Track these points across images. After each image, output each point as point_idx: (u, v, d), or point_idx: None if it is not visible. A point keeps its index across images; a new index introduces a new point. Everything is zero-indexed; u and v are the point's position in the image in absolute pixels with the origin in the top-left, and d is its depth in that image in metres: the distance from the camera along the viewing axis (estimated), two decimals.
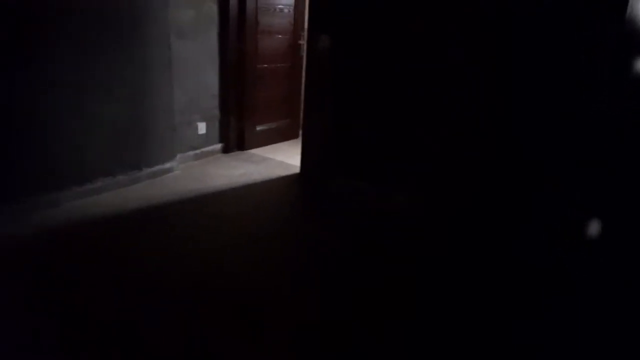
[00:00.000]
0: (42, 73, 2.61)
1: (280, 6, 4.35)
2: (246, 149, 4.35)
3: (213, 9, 3.84)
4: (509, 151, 2.71)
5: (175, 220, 2.79)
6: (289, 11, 4.47)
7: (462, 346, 1.79)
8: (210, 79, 3.94)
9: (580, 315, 2.02)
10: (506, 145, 2.72)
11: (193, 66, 3.73)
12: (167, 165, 3.54)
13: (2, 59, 2.42)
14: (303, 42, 4.54)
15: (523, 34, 2.52)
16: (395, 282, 2.24)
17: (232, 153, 4.25)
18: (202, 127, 3.95)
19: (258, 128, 4.44)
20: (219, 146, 4.18)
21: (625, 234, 2.25)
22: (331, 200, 3.35)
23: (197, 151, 3.97)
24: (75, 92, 2.79)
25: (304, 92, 3.87)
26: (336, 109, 3.46)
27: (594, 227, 2.34)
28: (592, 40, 2.30)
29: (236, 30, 4.01)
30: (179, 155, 3.70)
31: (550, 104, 2.50)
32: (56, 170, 2.80)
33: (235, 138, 4.26)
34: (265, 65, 4.33)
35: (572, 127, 2.44)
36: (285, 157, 4.26)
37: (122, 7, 2.96)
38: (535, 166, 2.62)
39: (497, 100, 2.71)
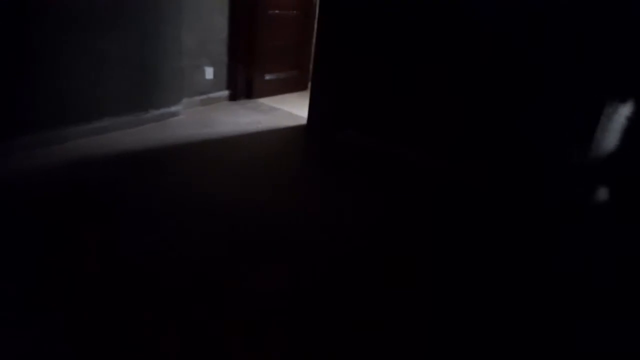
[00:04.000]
0: (53, 9, 2.53)
1: None
2: (254, 98, 4.29)
3: None
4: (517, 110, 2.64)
5: (179, 163, 2.78)
6: None
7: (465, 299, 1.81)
8: (220, 22, 3.82)
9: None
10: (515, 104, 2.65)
11: (203, 9, 3.61)
12: (173, 108, 3.50)
13: None
14: None
15: None
16: (396, 224, 2.25)
17: (239, 101, 4.19)
18: (209, 72, 3.87)
19: (267, 77, 4.35)
20: (226, 93, 4.11)
21: None
22: (338, 151, 3.31)
23: (204, 97, 3.91)
24: (83, 28, 2.71)
25: (315, 42, 3.76)
26: (347, 61, 3.36)
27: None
28: None
29: None
30: (185, 100, 3.65)
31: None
32: (63, 106, 2.76)
33: (243, 86, 4.19)
34: (277, 12, 4.18)
35: None
36: (293, 108, 4.19)
37: None
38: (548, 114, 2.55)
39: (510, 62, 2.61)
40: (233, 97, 4.15)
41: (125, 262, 1.77)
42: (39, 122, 2.67)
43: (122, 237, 1.93)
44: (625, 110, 2.30)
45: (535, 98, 2.57)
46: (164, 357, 1.35)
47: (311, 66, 4.27)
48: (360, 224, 2.30)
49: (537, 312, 1.77)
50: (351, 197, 2.59)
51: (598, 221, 2.30)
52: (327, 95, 3.58)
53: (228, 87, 4.11)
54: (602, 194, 2.41)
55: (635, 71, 2.25)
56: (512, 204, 2.67)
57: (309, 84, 4.56)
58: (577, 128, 2.46)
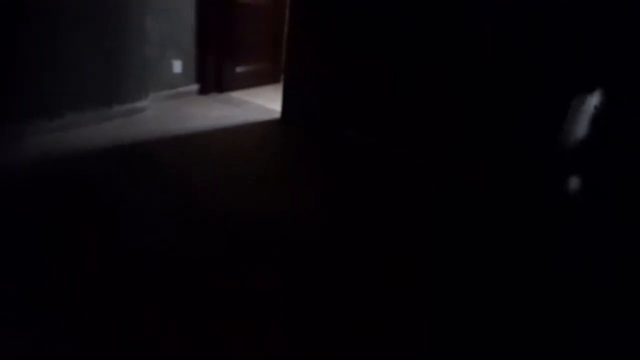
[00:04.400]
0: None
1: None
2: (225, 91, 4.13)
3: None
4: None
5: (145, 161, 2.63)
6: None
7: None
8: (188, 12, 3.65)
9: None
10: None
11: None
12: (140, 104, 3.31)
13: None
14: None
15: None
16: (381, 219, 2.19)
17: (210, 95, 4.03)
18: (177, 65, 3.70)
19: (238, 70, 4.20)
20: (195, 87, 3.95)
21: None
22: (314, 144, 3.22)
23: (172, 91, 3.74)
24: (39, 15, 2.51)
25: (287, 33, 3.64)
26: (321, 52, 3.26)
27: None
28: None
29: None
30: (152, 94, 3.47)
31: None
32: (19, 101, 2.56)
33: (213, 78, 4.02)
34: (248, 1, 4.03)
35: None
36: (266, 102, 4.07)
37: None
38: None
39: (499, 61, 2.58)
40: (203, 91, 3.99)
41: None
42: None
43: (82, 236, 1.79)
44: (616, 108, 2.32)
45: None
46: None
47: (284, 57, 4.16)
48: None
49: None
50: (343, 195, 2.51)
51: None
52: (302, 88, 3.48)
53: (198, 81, 3.95)
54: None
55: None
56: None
57: (282, 77, 4.46)
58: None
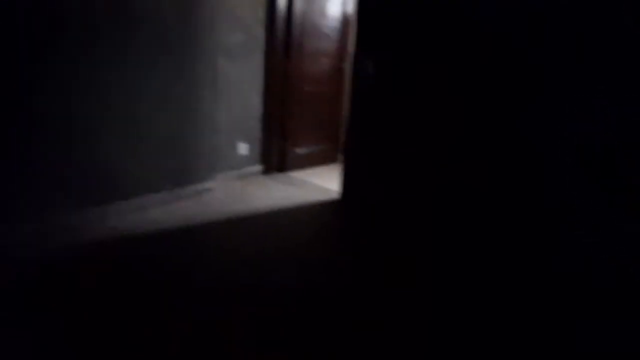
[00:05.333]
0: (94, 83, 2.63)
1: (325, 30, 4.36)
2: (286, 171, 4.31)
3: (260, 32, 3.87)
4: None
5: (216, 240, 2.73)
6: (334, 35, 4.47)
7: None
8: (254, 100, 3.95)
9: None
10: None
11: (238, 87, 3.75)
12: (208, 184, 3.51)
13: (58, 67, 2.45)
14: (347, 66, 4.52)
15: None
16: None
17: (272, 175, 4.21)
18: (243, 148, 3.93)
19: (298, 151, 4.40)
20: (259, 167, 4.15)
21: None
22: (374, 229, 3.23)
23: (238, 171, 3.95)
24: (126, 103, 2.81)
25: (346, 116, 3.83)
26: (380, 136, 3.38)
27: None
28: None
29: (281, 53, 4.02)
30: (219, 175, 3.68)
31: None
32: (103, 184, 2.79)
33: (276, 160, 4.23)
34: (309, 88, 4.31)
35: None
36: (324, 182, 4.18)
37: (175, 26, 2.99)
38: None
39: None
40: (266, 171, 4.18)
41: (172, 338, 1.66)
42: (79, 200, 2.68)
43: (168, 314, 1.84)
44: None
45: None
46: None
47: (343, 138, 4.33)
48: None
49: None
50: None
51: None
52: (360, 170, 3.57)
53: (261, 162, 4.16)
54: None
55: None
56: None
57: (339, 157, 4.62)
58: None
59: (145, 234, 2.72)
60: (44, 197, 2.50)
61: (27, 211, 2.44)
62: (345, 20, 4.52)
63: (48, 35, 2.36)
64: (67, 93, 2.50)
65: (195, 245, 2.64)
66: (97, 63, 2.60)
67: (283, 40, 4.01)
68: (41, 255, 2.33)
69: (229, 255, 2.56)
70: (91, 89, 2.60)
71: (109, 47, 2.64)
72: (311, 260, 2.60)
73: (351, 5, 4.48)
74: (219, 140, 3.57)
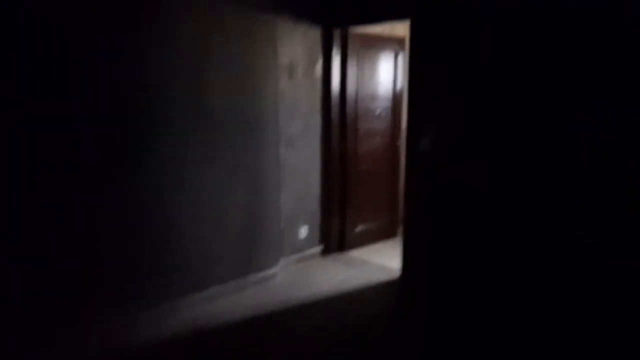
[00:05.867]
0: (183, 181, 2.94)
1: (378, 110, 4.51)
2: (345, 250, 4.35)
3: (317, 118, 4.07)
4: None
5: (276, 332, 2.83)
6: (387, 114, 4.61)
7: None
8: (313, 181, 4.09)
9: None
10: None
11: (298, 171, 3.92)
12: (272, 270, 3.62)
13: (127, 162, 2.72)
14: (401, 143, 4.60)
15: None
16: None
17: (332, 255, 4.26)
18: (304, 230, 4.04)
19: (357, 228, 4.44)
20: (318, 248, 4.22)
21: None
22: (436, 310, 3.15)
23: (298, 255, 4.03)
24: (196, 195, 3.04)
25: (403, 192, 3.85)
26: (439, 213, 3.36)
27: None
28: None
29: (338, 135, 4.19)
30: (282, 259, 3.78)
31: None
32: (178, 278, 2.99)
33: (336, 239, 4.29)
34: (365, 167, 4.42)
35: None
36: (385, 259, 4.17)
37: (242, 119, 3.27)
38: None
39: None
40: (325, 251, 4.24)
41: None
42: (155, 294, 2.88)
43: None
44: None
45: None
46: None
47: (401, 214, 4.33)
48: None
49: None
50: None
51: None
52: (420, 247, 3.54)
53: (320, 242, 4.23)
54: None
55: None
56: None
57: (397, 231, 4.61)
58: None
59: (217, 327, 2.87)
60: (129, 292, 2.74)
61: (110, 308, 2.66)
62: (395, 99, 4.66)
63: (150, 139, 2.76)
64: (162, 191, 2.84)
65: (264, 337, 2.77)
66: (186, 163, 2.95)
67: (338, 123, 4.19)
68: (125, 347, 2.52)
69: (293, 347, 2.60)
70: (181, 187, 2.92)
71: (193, 151, 2.99)
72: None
73: (400, 85, 4.63)
74: (283, 226, 3.71)
